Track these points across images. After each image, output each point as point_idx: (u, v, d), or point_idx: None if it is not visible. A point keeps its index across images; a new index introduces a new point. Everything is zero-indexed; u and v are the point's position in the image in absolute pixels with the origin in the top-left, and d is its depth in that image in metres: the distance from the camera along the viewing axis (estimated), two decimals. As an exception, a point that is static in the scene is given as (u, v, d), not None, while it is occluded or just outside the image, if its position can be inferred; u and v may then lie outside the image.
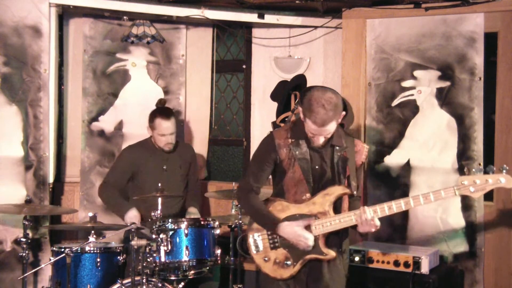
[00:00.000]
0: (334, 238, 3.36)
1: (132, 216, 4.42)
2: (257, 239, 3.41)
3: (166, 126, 4.57)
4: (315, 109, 3.14)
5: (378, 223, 3.24)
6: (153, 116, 4.64)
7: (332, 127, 3.21)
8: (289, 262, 3.33)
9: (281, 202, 3.37)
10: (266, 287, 3.43)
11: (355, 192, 3.33)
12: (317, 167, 3.32)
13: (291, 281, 3.37)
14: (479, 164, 3.27)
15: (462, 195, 3.24)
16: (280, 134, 3.38)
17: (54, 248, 4.10)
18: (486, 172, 3.18)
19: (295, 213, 3.32)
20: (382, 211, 3.26)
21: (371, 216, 3.22)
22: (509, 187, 3.16)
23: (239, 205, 4.23)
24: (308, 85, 4.93)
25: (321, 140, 3.26)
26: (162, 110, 4.70)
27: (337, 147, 3.33)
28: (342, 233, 3.38)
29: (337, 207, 3.34)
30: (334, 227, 3.28)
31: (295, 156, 3.30)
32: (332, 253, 3.30)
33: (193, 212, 4.62)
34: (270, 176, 3.49)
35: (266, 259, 3.39)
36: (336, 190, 3.31)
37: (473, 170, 3.18)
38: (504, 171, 3.16)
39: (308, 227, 3.28)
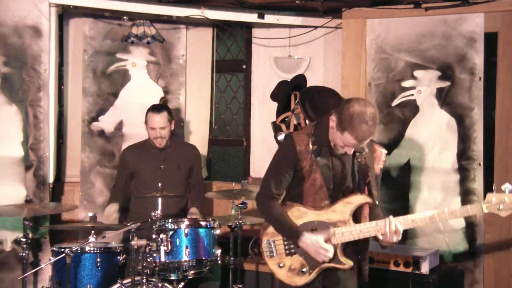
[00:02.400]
0: (353, 247, 3.28)
1: (107, 212, 4.51)
2: (272, 244, 3.33)
3: (156, 119, 4.57)
4: (358, 125, 3.01)
5: (401, 235, 3.16)
6: (146, 111, 4.68)
7: (367, 141, 3.14)
8: (304, 270, 3.26)
9: (299, 207, 3.28)
10: None
11: (377, 202, 3.25)
12: (338, 174, 3.24)
13: None
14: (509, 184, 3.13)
15: (490, 213, 3.09)
16: (301, 140, 3.27)
17: (54, 248, 4.10)
18: None
19: (314, 219, 3.25)
20: (406, 224, 3.15)
21: (395, 228, 3.12)
22: None
23: (241, 205, 4.22)
24: (308, 85, 4.93)
25: (351, 151, 3.17)
26: (154, 105, 4.73)
27: (358, 153, 3.25)
28: (362, 242, 3.29)
29: (356, 216, 3.26)
30: (354, 236, 3.19)
31: (317, 163, 3.22)
32: (350, 263, 3.23)
33: (194, 212, 4.62)
34: None
35: (281, 265, 3.31)
36: (358, 199, 3.23)
37: (502, 187, 3.05)
38: None
39: (328, 240, 3.20)
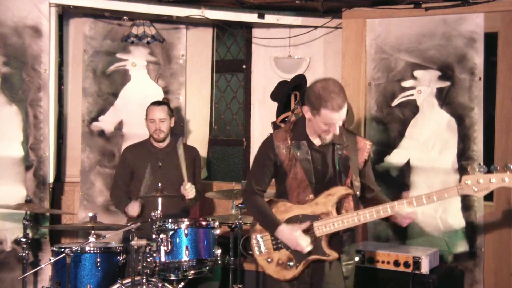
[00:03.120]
0: (337, 239, 3.33)
1: (131, 208, 4.47)
2: (260, 240, 3.39)
3: (156, 111, 4.60)
4: (328, 97, 3.13)
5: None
6: (147, 106, 4.70)
7: (345, 111, 3.20)
8: (291, 263, 3.31)
9: (284, 203, 3.35)
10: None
11: (358, 192, 3.30)
12: (319, 167, 3.30)
13: (295, 282, 3.34)
14: (479, 164, 3.19)
15: (465, 195, 3.20)
16: (279, 136, 3.37)
17: (54, 248, 4.10)
18: (489, 171, 3.12)
19: (298, 213, 3.31)
20: (385, 212, 3.23)
21: (410, 210, 3.21)
22: None
23: (241, 205, 4.23)
24: (308, 85, 4.94)
25: (337, 129, 3.21)
26: (155, 100, 4.76)
27: (338, 145, 3.30)
28: (345, 234, 3.35)
29: (340, 208, 3.32)
30: (337, 227, 3.25)
31: (296, 157, 3.29)
32: (335, 254, 3.28)
33: (189, 186, 4.56)
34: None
35: (269, 260, 3.37)
36: (339, 191, 3.28)
37: (476, 169, 3.12)
38: (508, 171, 3.08)
39: (307, 230, 3.26)
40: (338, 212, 3.30)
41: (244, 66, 5.69)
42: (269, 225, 3.34)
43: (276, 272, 3.35)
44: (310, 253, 3.27)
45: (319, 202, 3.28)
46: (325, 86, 3.17)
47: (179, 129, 5.40)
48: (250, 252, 3.54)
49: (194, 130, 5.62)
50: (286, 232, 3.27)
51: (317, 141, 3.32)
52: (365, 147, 3.38)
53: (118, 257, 4.06)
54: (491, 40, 4.56)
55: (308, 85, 4.87)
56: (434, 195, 3.17)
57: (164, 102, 4.76)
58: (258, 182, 3.41)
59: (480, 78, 4.54)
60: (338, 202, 3.30)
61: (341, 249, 3.33)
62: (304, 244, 3.24)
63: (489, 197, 4.54)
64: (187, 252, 3.92)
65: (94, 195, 5.25)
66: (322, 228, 3.26)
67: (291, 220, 3.31)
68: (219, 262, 4.06)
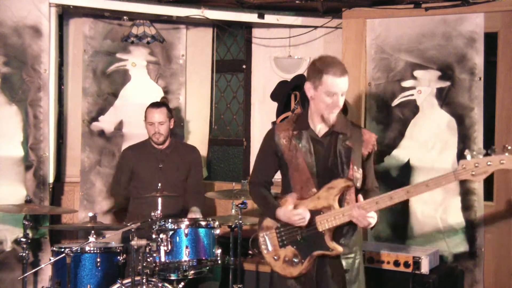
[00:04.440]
0: (337, 232, 3.27)
1: None
2: (266, 238, 3.38)
3: (155, 114, 4.61)
4: (329, 63, 3.19)
5: (371, 220, 3.15)
6: (146, 108, 4.70)
7: (347, 82, 3.21)
8: (297, 260, 3.29)
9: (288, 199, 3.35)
10: (278, 286, 3.40)
11: (358, 185, 3.24)
12: (320, 158, 3.26)
13: (302, 279, 3.31)
14: (478, 148, 3.07)
15: (463, 180, 3.03)
16: (281, 126, 3.37)
17: (54, 248, 4.10)
18: (487, 154, 2.97)
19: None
20: (373, 205, 3.15)
21: (359, 213, 3.13)
22: (511, 167, 2.94)
23: (241, 205, 4.23)
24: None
25: (340, 101, 3.18)
26: (154, 102, 4.77)
27: (341, 135, 3.26)
28: (345, 227, 3.28)
29: (342, 200, 3.26)
30: (338, 221, 3.19)
31: (298, 148, 3.27)
32: (339, 248, 3.23)
33: (194, 210, 4.62)
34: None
35: (275, 257, 3.35)
36: (339, 183, 3.22)
37: (474, 153, 2.98)
38: (507, 153, 2.92)
39: (297, 205, 3.25)
40: (341, 204, 3.25)
41: (244, 66, 5.69)
42: (270, 211, 3.35)
43: (282, 269, 3.34)
44: (314, 249, 3.25)
45: (320, 196, 3.24)
46: (323, 57, 3.25)
47: (179, 129, 5.40)
48: (256, 251, 3.54)
49: (194, 130, 5.62)
50: (282, 212, 3.27)
51: (320, 128, 3.28)
52: (371, 139, 3.33)
53: (118, 257, 4.06)
54: (491, 40, 4.56)
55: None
56: (431, 182, 3.08)
57: (163, 104, 4.75)
58: (261, 172, 3.44)
59: (480, 78, 4.54)
60: (340, 195, 3.25)
61: (339, 241, 3.28)
62: (300, 217, 3.21)
63: (489, 197, 4.55)
64: (187, 252, 3.92)
65: (94, 195, 5.25)
66: (324, 223, 3.22)
67: None
68: (219, 262, 4.06)
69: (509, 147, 2.92)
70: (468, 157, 2.99)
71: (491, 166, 2.94)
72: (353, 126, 3.36)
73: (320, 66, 3.19)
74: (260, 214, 3.53)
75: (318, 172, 3.27)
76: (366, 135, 3.33)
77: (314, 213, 3.25)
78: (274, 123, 5.03)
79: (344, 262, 3.29)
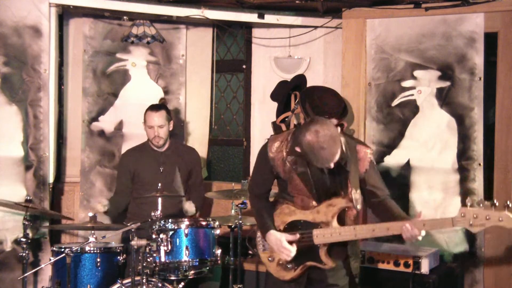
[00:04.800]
0: (339, 247, 3.32)
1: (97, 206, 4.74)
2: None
3: (154, 117, 4.60)
4: (317, 153, 3.02)
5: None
6: (145, 111, 4.70)
7: (337, 154, 3.08)
8: (290, 266, 3.34)
9: (289, 206, 3.37)
10: (271, 286, 3.46)
11: (358, 207, 3.25)
12: (318, 180, 3.27)
13: (292, 284, 3.37)
14: (480, 199, 3.08)
15: (460, 227, 3.10)
16: (274, 147, 3.31)
17: (54, 248, 4.11)
18: (488, 206, 3.00)
19: (300, 219, 3.32)
20: (381, 231, 3.19)
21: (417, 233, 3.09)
22: (509, 227, 2.99)
23: (241, 205, 4.24)
24: (308, 85, 4.93)
25: (331, 166, 3.13)
26: (153, 104, 4.77)
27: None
28: (349, 241, 3.33)
29: (342, 218, 3.30)
30: (334, 238, 3.24)
31: (295, 171, 3.27)
32: (330, 263, 3.28)
33: (188, 203, 4.62)
34: None
35: (270, 259, 3.40)
36: (340, 203, 3.26)
37: (476, 203, 3.03)
38: (506, 210, 2.96)
39: (293, 242, 3.28)
40: (342, 221, 3.29)
41: (244, 66, 5.69)
42: (263, 229, 3.41)
43: (276, 271, 3.39)
44: (307, 258, 3.30)
45: (320, 211, 3.28)
46: (315, 143, 3.00)
47: (179, 129, 5.40)
48: (255, 250, 3.57)
49: (194, 130, 5.62)
50: (273, 238, 3.32)
51: None
52: (366, 156, 3.29)
53: (118, 257, 4.07)
54: (491, 40, 4.56)
55: (308, 85, 4.92)
56: (429, 223, 3.10)
57: (162, 106, 4.74)
58: (259, 187, 3.49)
59: (480, 78, 4.54)
60: (340, 213, 3.28)
61: (346, 251, 3.34)
62: (290, 251, 3.26)
63: (489, 197, 4.54)
64: (187, 252, 3.92)
65: (94, 195, 5.24)
66: (321, 237, 3.26)
67: (292, 224, 3.34)
68: (219, 262, 4.06)
69: (510, 205, 2.95)
70: (469, 205, 3.03)
71: (489, 221, 2.99)
72: (349, 141, 3.29)
73: (309, 153, 3.04)
74: None
75: (317, 191, 3.30)
76: (361, 153, 3.29)
77: (312, 225, 3.29)
78: (274, 123, 5.03)
79: (353, 267, 3.37)
